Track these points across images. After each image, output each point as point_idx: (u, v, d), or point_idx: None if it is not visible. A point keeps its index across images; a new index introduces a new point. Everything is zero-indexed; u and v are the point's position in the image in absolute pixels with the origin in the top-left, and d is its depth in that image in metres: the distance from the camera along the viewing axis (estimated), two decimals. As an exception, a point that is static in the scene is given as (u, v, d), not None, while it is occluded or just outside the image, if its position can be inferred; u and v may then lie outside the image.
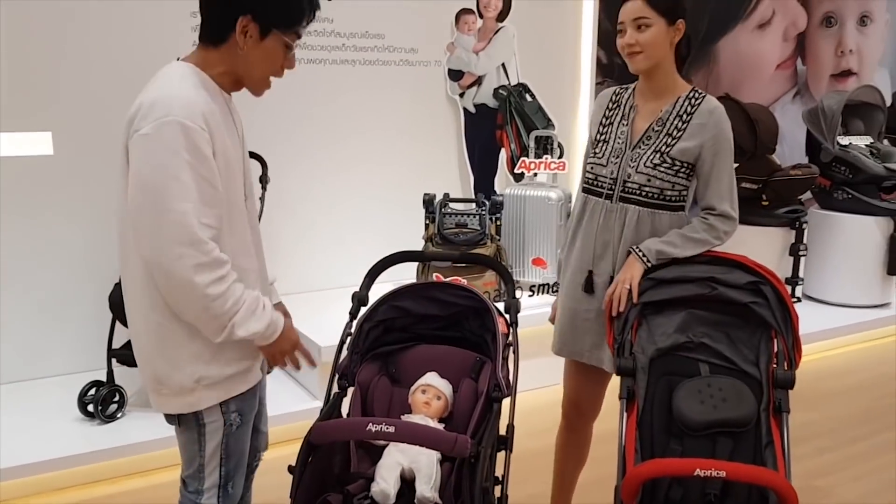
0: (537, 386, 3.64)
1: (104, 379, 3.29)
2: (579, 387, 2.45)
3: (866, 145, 5.32)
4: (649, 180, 2.20)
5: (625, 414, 1.96)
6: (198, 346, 1.77)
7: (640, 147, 2.23)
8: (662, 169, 2.19)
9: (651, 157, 2.19)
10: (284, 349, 1.88)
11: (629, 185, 2.23)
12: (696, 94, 2.22)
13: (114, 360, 3.33)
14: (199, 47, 1.81)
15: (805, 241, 5.02)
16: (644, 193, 2.21)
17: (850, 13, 6.28)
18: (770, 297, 2.06)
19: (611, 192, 2.26)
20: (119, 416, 3.28)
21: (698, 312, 2.11)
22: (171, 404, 1.82)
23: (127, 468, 3.10)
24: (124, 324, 3.26)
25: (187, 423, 1.85)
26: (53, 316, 3.66)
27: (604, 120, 2.33)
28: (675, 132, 2.18)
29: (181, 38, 3.75)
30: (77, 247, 3.66)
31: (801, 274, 5.05)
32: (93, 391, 3.27)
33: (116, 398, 3.29)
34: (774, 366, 2.01)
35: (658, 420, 2.00)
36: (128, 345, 3.39)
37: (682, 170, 2.19)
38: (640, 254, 2.17)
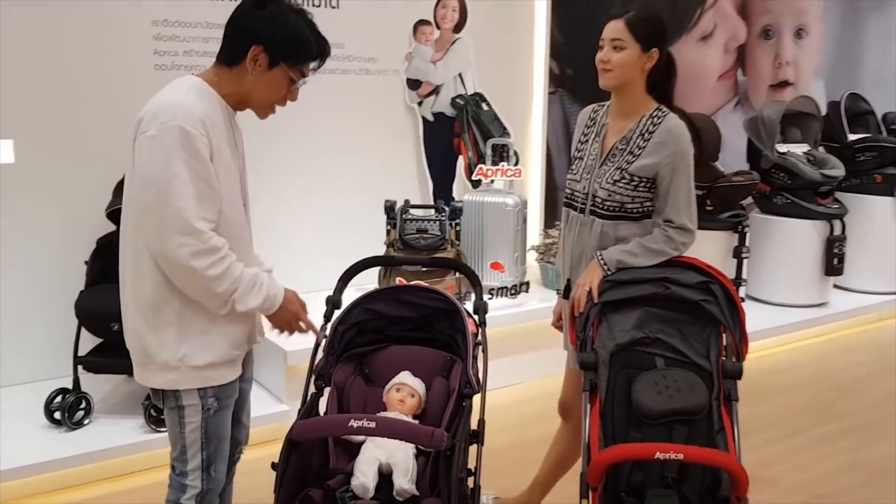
0: (500, 385, 3.71)
1: (70, 386, 3.29)
2: (572, 388, 2.53)
3: (803, 153, 5.55)
4: (610, 195, 2.33)
5: (588, 406, 2.09)
6: (189, 327, 1.92)
7: (606, 164, 2.36)
8: (622, 185, 2.32)
9: (612, 174, 2.33)
10: (286, 318, 2.06)
11: (596, 199, 2.36)
12: (659, 113, 2.34)
13: (80, 367, 3.33)
14: (214, 65, 1.96)
15: (747, 243, 5.20)
16: (606, 207, 2.35)
17: (787, 26, 6.54)
18: (719, 295, 2.21)
19: (583, 206, 2.40)
20: (86, 422, 3.29)
21: (653, 310, 2.25)
22: (155, 379, 1.96)
23: (95, 474, 3.12)
24: (90, 331, 3.31)
25: (169, 404, 1.98)
26: (17, 324, 3.63)
27: (582, 138, 2.47)
28: (636, 150, 2.32)
29: (141, 47, 3.77)
30: (40, 255, 3.64)
31: (744, 275, 5.23)
32: (59, 398, 3.27)
33: (83, 405, 3.30)
34: (724, 358, 2.16)
35: (619, 410, 2.13)
36: (93, 351, 3.41)
37: (642, 184, 2.32)
38: (602, 261, 2.32)
